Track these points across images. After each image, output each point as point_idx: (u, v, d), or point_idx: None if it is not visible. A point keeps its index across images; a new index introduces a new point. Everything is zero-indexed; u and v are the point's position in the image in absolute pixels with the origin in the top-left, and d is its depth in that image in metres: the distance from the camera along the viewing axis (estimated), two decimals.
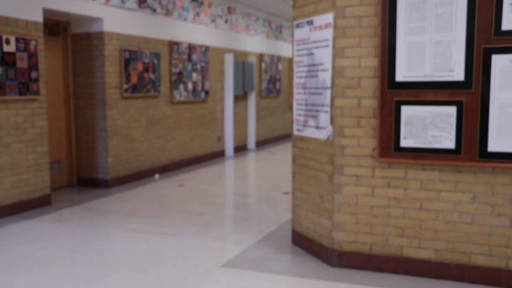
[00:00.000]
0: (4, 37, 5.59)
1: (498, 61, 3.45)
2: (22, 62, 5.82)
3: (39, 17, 6.06)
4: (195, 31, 9.39)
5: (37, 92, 6.03)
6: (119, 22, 7.41)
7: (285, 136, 13.90)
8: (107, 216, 5.76)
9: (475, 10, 3.47)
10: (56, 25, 7.06)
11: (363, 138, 3.88)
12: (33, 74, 5.96)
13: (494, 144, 3.51)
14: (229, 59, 10.41)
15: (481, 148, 3.55)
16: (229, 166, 9.59)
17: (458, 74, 3.56)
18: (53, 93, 7.03)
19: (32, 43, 5.92)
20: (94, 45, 7.18)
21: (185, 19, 8.99)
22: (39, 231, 5.16)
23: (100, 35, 7.14)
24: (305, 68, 4.29)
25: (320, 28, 4.04)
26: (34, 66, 5.97)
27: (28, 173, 6.02)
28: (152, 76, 8.14)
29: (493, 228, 3.62)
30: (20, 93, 5.82)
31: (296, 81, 4.47)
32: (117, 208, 6.15)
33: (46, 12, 6.40)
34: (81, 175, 7.51)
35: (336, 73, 3.92)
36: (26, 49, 5.85)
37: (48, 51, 6.84)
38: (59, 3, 6.38)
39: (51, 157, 6.87)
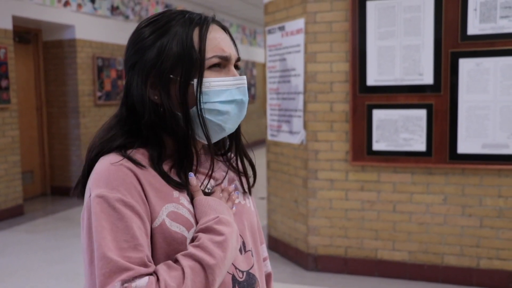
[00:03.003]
0: None
1: (465, 65, 3.52)
2: None
3: (8, 25, 5.97)
4: None
5: (7, 101, 5.93)
6: (92, 30, 7.35)
7: (261, 141, 13.90)
8: None
9: (442, 15, 3.54)
10: (26, 33, 6.96)
11: (336, 142, 3.92)
12: (3, 83, 5.87)
13: (464, 146, 3.58)
14: None
15: (451, 150, 3.61)
16: None
17: (427, 77, 3.62)
18: (25, 101, 6.93)
19: (2, 51, 5.82)
20: (66, 53, 7.10)
21: None
22: (11, 243, 5.07)
23: (72, 42, 7.06)
24: (277, 74, 4.31)
25: (292, 33, 4.07)
26: (4, 75, 5.87)
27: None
28: None
29: (464, 229, 3.68)
30: None
31: (269, 86, 4.49)
32: None
33: (15, 19, 6.30)
34: (54, 184, 7.40)
35: (308, 78, 3.95)
36: None
37: (19, 59, 6.74)
38: (29, 10, 6.30)
39: (24, 167, 6.76)
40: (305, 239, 4.09)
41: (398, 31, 3.65)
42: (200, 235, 0.93)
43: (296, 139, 4.10)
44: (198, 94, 0.95)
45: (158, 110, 0.97)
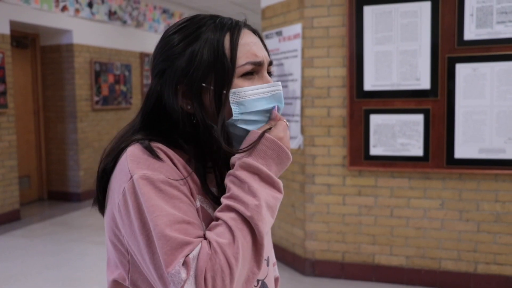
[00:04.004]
0: None
1: (462, 70, 3.53)
2: None
3: (6, 30, 5.97)
4: None
5: (4, 106, 5.92)
6: (89, 34, 7.35)
7: None
8: (79, 231, 5.67)
9: (439, 21, 3.55)
10: (24, 38, 6.96)
11: (334, 147, 3.92)
12: (0, 87, 5.86)
13: (461, 151, 3.59)
14: None
15: (448, 155, 3.61)
16: None
17: (424, 82, 3.63)
18: (22, 106, 6.92)
19: None
20: (64, 57, 7.10)
21: (156, 31, 8.97)
22: (8, 248, 5.05)
23: (69, 47, 7.06)
24: (275, 79, 4.32)
25: (289, 38, 4.08)
26: (1, 79, 5.86)
27: None
28: (123, 88, 8.08)
29: (462, 234, 3.68)
30: None
31: None
32: (89, 222, 6.07)
33: (13, 24, 6.31)
34: (51, 189, 7.38)
35: (306, 83, 3.95)
36: None
37: (16, 64, 6.74)
38: (27, 15, 6.30)
39: (20, 171, 6.74)
40: (303, 244, 4.08)
41: (395, 36, 3.66)
42: (229, 184, 0.91)
43: (293, 144, 4.10)
44: (222, 105, 0.93)
45: (191, 120, 0.95)
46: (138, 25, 8.50)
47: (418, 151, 3.68)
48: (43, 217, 6.38)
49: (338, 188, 3.93)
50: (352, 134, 3.82)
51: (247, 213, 0.86)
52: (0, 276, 4.25)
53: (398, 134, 3.72)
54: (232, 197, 0.88)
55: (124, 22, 8.12)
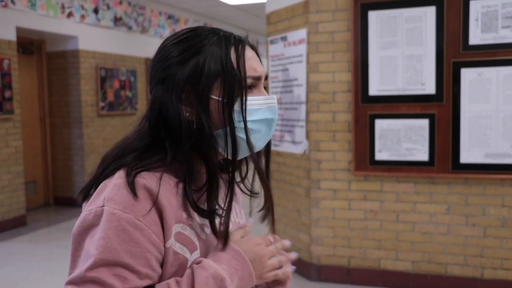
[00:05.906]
0: None
1: (467, 75, 3.53)
2: None
3: (12, 36, 6.01)
4: None
5: (11, 111, 5.95)
6: (95, 40, 7.39)
7: None
8: None
9: (444, 26, 3.55)
10: (30, 44, 7.00)
11: (339, 152, 3.92)
12: (7, 93, 5.89)
13: (466, 156, 3.58)
14: None
15: (453, 160, 3.61)
16: None
17: (429, 87, 3.62)
18: (28, 112, 6.95)
19: (6, 62, 5.85)
20: (70, 63, 7.13)
21: (161, 36, 9.00)
22: (14, 253, 5.06)
23: (75, 53, 7.10)
24: (280, 84, 4.33)
25: (294, 44, 4.09)
26: (7, 85, 5.90)
27: (2, 194, 5.91)
28: (128, 93, 8.11)
29: (468, 239, 3.67)
30: None
31: None
32: None
33: (19, 30, 6.34)
34: (57, 194, 7.40)
35: (311, 88, 3.96)
36: None
37: (22, 70, 6.77)
38: (33, 21, 6.34)
39: (27, 177, 6.76)
40: (308, 249, 4.08)
41: (400, 41, 3.67)
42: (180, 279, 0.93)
43: (298, 149, 4.10)
44: (244, 113, 0.95)
45: (192, 127, 0.95)
46: (144, 31, 8.53)
47: (424, 156, 3.68)
48: (49, 222, 6.39)
49: (344, 193, 3.93)
50: (358, 139, 3.82)
51: None
52: (6, 281, 4.26)
53: (403, 139, 3.71)
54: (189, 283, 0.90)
55: (130, 28, 8.16)
